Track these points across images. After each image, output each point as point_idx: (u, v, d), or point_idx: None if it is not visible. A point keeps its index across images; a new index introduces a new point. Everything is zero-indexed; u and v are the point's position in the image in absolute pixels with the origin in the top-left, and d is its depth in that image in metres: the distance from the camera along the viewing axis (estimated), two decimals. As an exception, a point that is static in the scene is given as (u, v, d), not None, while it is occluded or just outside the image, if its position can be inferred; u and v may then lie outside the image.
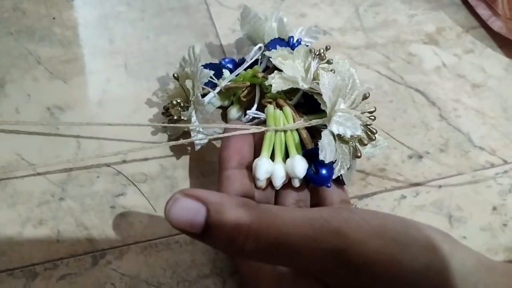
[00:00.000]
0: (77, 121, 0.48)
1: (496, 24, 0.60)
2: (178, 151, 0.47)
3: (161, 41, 0.56)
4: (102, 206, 0.43)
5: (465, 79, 0.56)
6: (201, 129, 0.43)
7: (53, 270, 0.39)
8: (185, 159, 0.47)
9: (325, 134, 0.38)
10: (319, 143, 0.38)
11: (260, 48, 0.48)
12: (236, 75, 0.47)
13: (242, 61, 0.49)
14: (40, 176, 0.44)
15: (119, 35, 0.56)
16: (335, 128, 0.38)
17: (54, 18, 0.57)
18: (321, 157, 0.38)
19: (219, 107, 0.49)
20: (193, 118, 0.43)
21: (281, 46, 0.46)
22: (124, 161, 0.46)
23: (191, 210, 0.29)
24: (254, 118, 0.46)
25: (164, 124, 0.47)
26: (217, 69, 0.47)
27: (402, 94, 0.54)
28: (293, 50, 0.46)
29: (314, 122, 0.41)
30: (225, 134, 0.41)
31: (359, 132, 0.39)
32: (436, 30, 0.61)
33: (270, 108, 0.43)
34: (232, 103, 0.48)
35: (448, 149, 0.50)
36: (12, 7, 0.57)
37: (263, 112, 0.44)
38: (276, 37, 0.48)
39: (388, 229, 0.30)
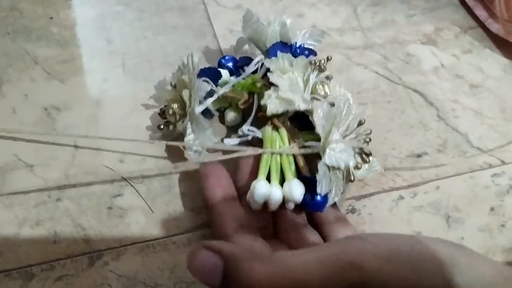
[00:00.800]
0: (74, 121, 0.48)
1: (494, 26, 0.60)
2: (174, 152, 0.47)
3: (159, 41, 0.56)
4: (99, 207, 0.43)
5: (463, 80, 0.56)
6: (197, 148, 0.43)
7: (50, 271, 0.39)
8: (182, 160, 0.46)
9: (320, 166, 0.38)
10: (316, 176, 0.38)
11: (260, 59, 0.47)
12: (233, 85, 0.46)
13: (242, 59, 0.49)
14: (37, 177, 0.44)
15: (116, 35, 0.56)
16: (328, 160, 0.39)
17: (51, 18, 0.57)
18: (318, 191, 0.38)
19: (217, 110, 0.49)
20: (189, 130, 0.43)
21: (282, 51, 0.46)
22: (121, 162, 0.46)
23: (210, 264, 0.30)
24: (245, 135, 0.45)
25: (164, 141, 0.45)
26: (215, 73, 0.47)
27: (400, 95, 0.54)
28: (295, 56, 0.45)
29: (310, 150, 0.41)
30: (220, 158, 0.40)
31: (353, 163, 0.39)
32: (434, 30, 0.61)
33: (268, 130, 0.43)
34: (230, 105, 0.48)
35: (446, 150, 0.50)
36: (9, 7, 0.57)
37: (259, 124, 0.44)
38: (278, 40, 0.48)
39: (400, 253, 0.30)
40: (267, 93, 0.43)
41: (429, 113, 0.53)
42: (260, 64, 0.47)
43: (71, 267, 0.40)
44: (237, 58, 0.50)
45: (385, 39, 0.60)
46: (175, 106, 0.44)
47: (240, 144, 0.45)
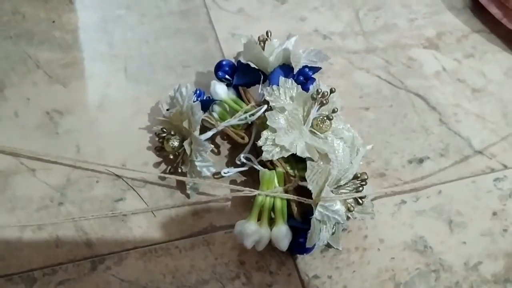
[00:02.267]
0: (77, 124, 0.48)
1: (511, 24, 0.60)
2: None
3: (161, 45, 0.56)
4: (102, 211, 0.43)
5: (465, 84, 0.56)
6: (195, 184, 0.44)
7: (52, 275, 0.39)
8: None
9: (312, 222, 0.39)
10: (308, 233, 0.39)
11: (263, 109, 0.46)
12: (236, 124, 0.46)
13: (240, 64, 0.48)
14: (39, 181, 0.44)
15: (118, 39, 0.56)
16: (319, 217, 0.39)
17: (53, 22, 0.57)
18: (308, 245, 0.39)
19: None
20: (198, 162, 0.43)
21: (284, 76, 0.46)
22: (124, 166, 0.46)
23: None
24: (244, 163, 0.45)
25: (162, 174, 0.45)
26: (209, 102, 0.47)
27: (402, 99, 0.54)
28: (298, 82, 0.45)
29: (303, 199, 0.41)
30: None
31: (343, 220, 0.39)
32: (436, 34, 0.61)
33: (266, 173, 0.43)
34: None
35: (448, 154, 0.50)
36: (11, 11, 0.57)
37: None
38: (281, 63, 0.48)
39: None
40: (264, 134, 0.43)
41: (431, 118, 0.53)
42: (262, 112, 0.45)
43: (73, 271, 0.40)
44: (235, 63, 0.50)
45: (387, 43, 0.60)
46: (175, 142, 0.44)
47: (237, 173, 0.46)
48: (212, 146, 0.43)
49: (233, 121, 0.45)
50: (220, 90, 0.47)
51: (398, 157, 0.49)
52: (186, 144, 0.43)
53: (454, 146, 0.51)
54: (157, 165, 0.46)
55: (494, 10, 0.62)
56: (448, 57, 0.59)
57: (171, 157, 0.44)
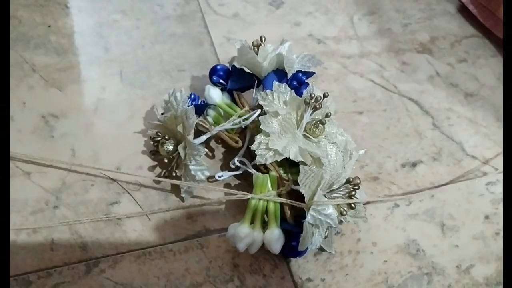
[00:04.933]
0: (72, 128, 0.48)
1: (500, 32, 0.60)
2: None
3: (156, 49, 0.56)
4: (96, 214, 0.43)
5: (458, 88, 0.57)
6: (189, 188, 0.44)
7: (47, 278, 0.39)
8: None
9: (305, 226, 0.39)
10: (301, 236, 0.39)
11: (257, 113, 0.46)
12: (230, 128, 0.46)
13: (235, 69, 0.49)
14: (34, 184, 0.44)
15: (114, 43, 0.57)
16: (312, 221, 0.39)
17: (49, 26, 0.57)
18: (300, 249, 0.39)
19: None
20: (192, 167, 0.43)
21: (278, 81, 0.46)
22: (119, 169, 0.46)
23: None
24: (238, 166, 0.46)
25: (157, 178, 0.46)
26: (203, 107, 0.47)
27: (395, 103, 0.54)
28: (291, 87, 0.46)
29: (295, 203, 0.41)
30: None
31: (335, 224, 0.39)
32: (429, 39, 0.62)
33: (260, 177, 0.43)
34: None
35: (441, 158, 0.50)
36: (8, 15, 0.57)
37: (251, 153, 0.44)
38: (274, 68, 0.48)
39: None
40: (257, 138, 0.43)
41: (424, 122, 0.53)
42: (256, 116, 0.45)
43: (68, 274, 0.40)
44: (230, 67, 0.50)
45: (381, 48, 0.60)
46: (169, 146, 0.44)
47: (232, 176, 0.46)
48: (206, 150, 0.44)
49: (227, 125, 0.46)
50: (214, 95, 0.47)
51: (391, 161, 0.50)
52: (180, 148, 0.43)
53: (447, 150, 0.51)
54: (151, 168, 0.46)
55: (484, 19, 0.63)
56: (441, 62, 0.59)
57: (166, 161, 0.45)
